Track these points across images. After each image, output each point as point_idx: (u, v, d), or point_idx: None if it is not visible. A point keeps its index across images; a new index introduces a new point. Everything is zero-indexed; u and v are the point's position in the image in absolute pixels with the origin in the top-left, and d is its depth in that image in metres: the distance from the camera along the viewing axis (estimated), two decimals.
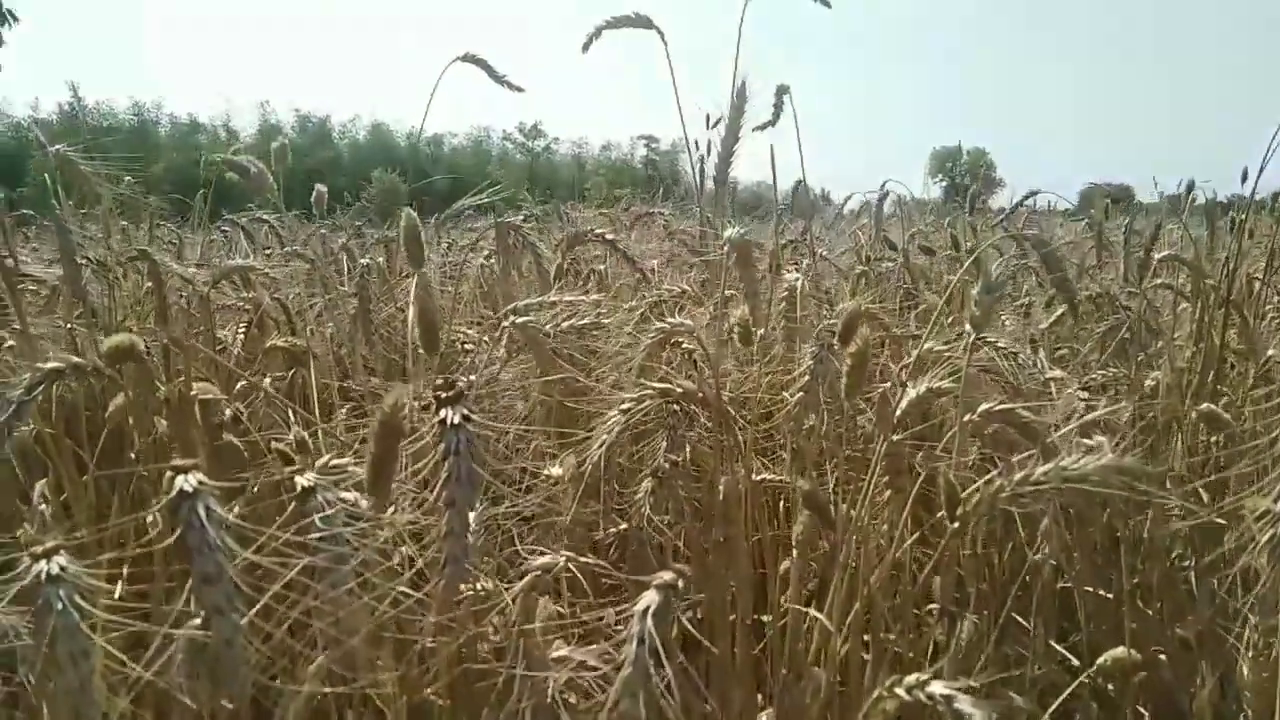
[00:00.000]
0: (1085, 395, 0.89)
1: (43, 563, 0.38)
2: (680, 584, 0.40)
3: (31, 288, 1.03)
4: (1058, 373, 1.00)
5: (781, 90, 1.17)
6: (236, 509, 0.46)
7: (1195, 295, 1.20)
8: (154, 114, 30.22)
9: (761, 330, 0.64)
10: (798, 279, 0.73)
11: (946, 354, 0.64)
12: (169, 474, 0.35)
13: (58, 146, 0.88)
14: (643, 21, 0.85)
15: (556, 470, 0.62)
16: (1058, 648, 0.95)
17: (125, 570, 0.59)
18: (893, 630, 0.58)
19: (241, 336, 0.99)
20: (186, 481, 0.34)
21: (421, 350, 0.54)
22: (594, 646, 0.49)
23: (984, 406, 0.54)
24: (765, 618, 0.68)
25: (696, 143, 1.19)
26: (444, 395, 0.42)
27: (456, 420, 0.41)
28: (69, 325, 0.99)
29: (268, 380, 0.86)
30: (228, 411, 0.73)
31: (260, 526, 0.41)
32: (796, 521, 0.54)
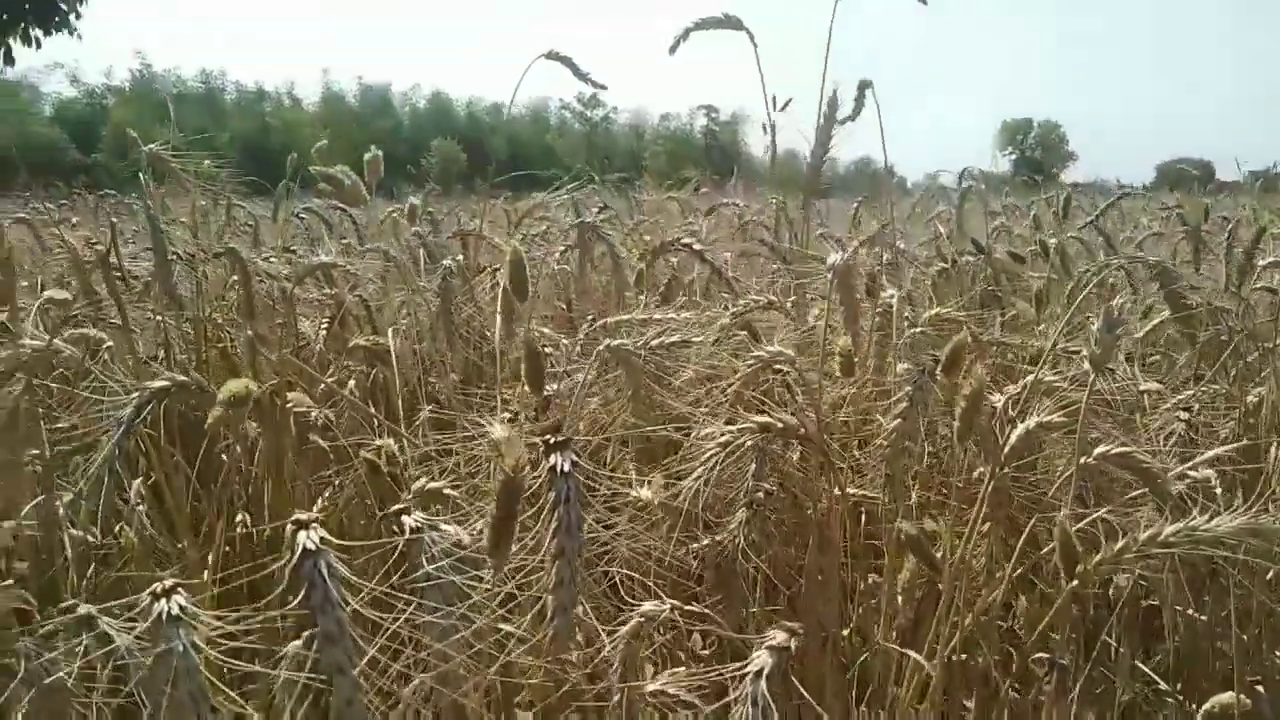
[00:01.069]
0: (1185, 415, 0.86)
1: (163, 602, 0.39)
2: (791, 644, 0.39)
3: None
4: (1153, 385, 0.96)
5: (864, 85, 1.13)
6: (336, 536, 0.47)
7: None
8: (220, 81, 30.85)
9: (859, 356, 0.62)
10: (894, 296, 0.70)
11: (1056, 384, 0.61)
12: (290, 528, 0.35)
13: (151, 146, 0.89)
14: (732, 22, 0.82)
15: (646, 493, 0.62)
16: (1143, 668, 0.93)
17: (229, 588, 0.60)
18: (996, 673, 0.56)
19: (324, 333, 1.00)
20: (309, 538, 0.34)
21: (527, 388, 0.53)
22: (686, 676, 0.48)
23: (1100, 450, 0.52)
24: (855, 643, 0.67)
25: (768, 125, 1.16)
26: (553, 440, 0.41)
27: (566, 468, 0.40)
28: (160, 317, 1.02)
29: (352, 382, 0.87)
30: (315, 416, 0.73)
31: (362, 547, 0.41)
32: (901, 566, 0.53)
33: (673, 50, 0.84)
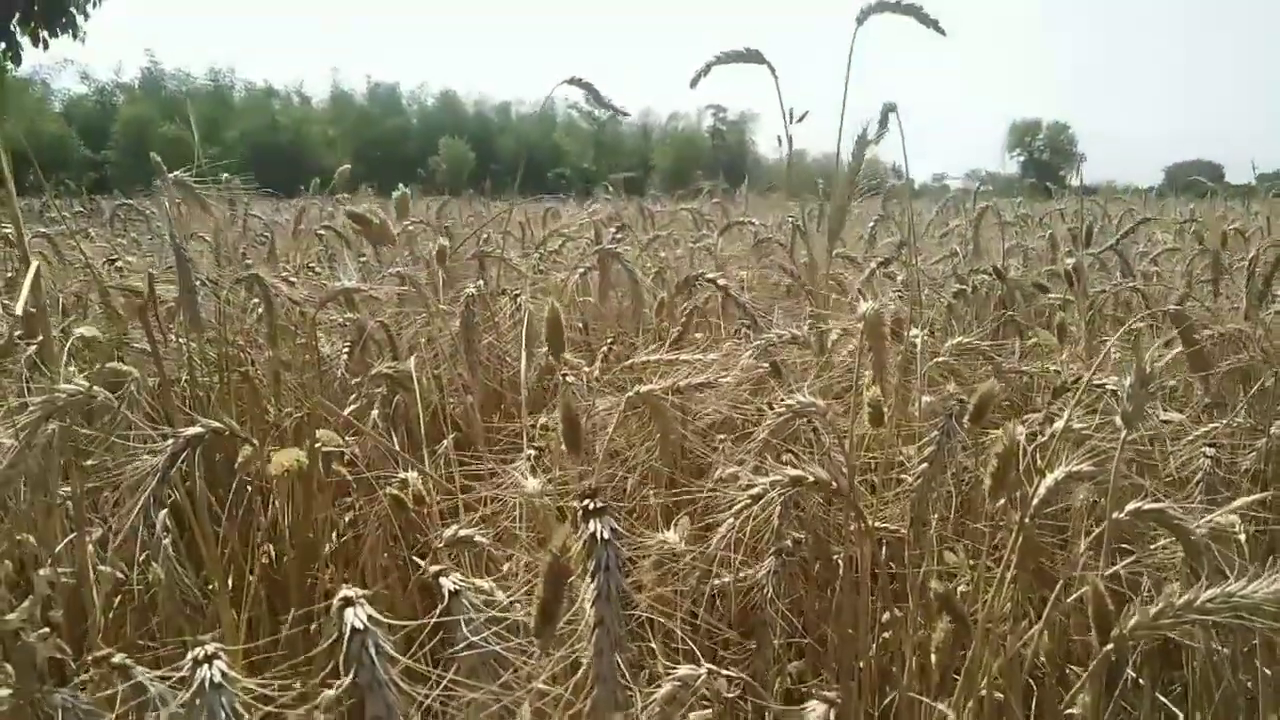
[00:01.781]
0: (1211, 451, 0.86)
1: (205, 669, 0.39)
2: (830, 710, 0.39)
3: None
4: (1174, 415, 0.96)
5: (888, 108, 1.13)
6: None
7: None
8: (229, 78, 30.90)
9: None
10: (919, 337, 0.70)
11: (1085, 433, 0.61)
12: (337, 605, 0.35)
13: (174, 174, 0.89)
14: (754, 57, 0.82)
15: (672, 536, 0.62)
16: (1163, 700, 0.92)
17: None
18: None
19: (345, 357, 1.00)
20: (356, 617, 0.34)
21: (565, 448, 0.54)
22: None
23: (1133, 505, 0.52)
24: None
25: (785, 139, 1.15)
26: (591, 506, 0.42)
27: (606, 535, 0.40)
28: (183, 340, 1.02)
29: (375, 412, 0.87)
30: (342, 450, 0.74)
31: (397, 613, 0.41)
32: (934, 625, 0.53)
33: (694, 84, 0.84)
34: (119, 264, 1.33)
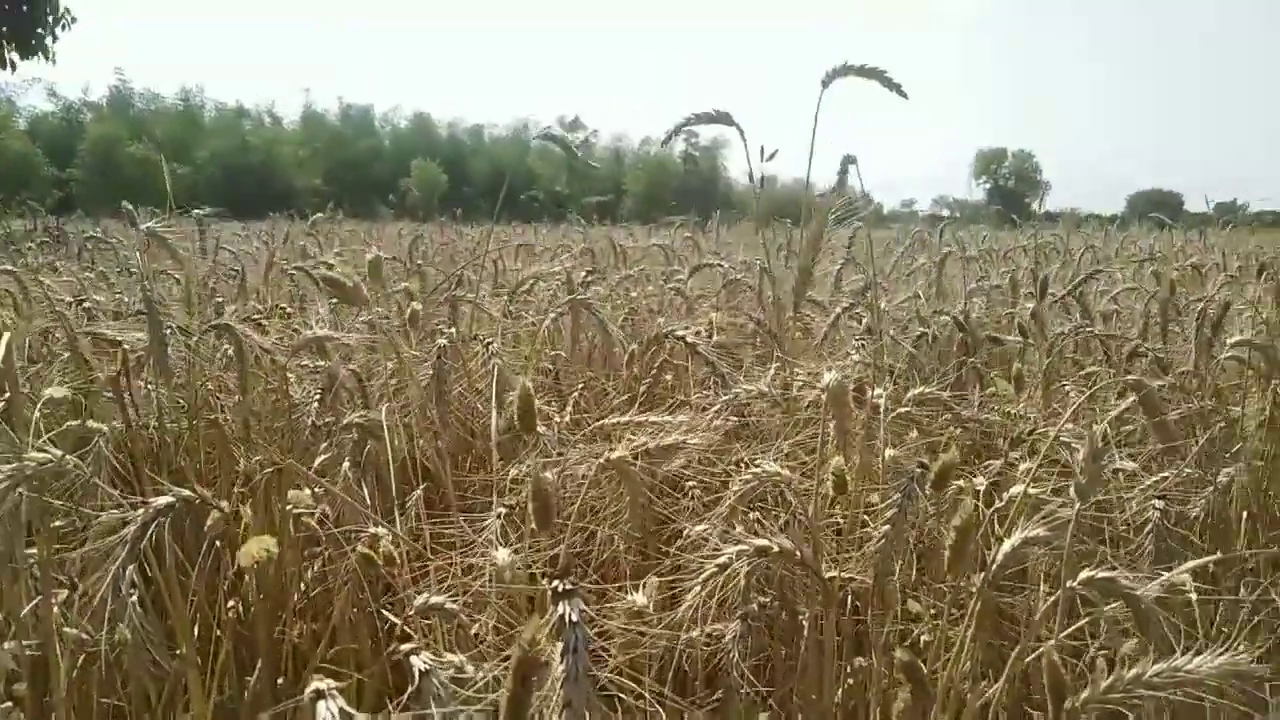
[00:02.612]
0: (1160, 504, 0.88)
1: None
2: None
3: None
4: (1129, 465, 0.99)
5: (848, 160, 1.16)
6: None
7: (1267, 375, 1.17)
8: (198, 98, 30.67)
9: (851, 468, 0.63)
10: (881, 398, 0.72)
11: (1042, 499, 0.63)
12: (310, 696, 0.36)
13: (146, 226, 0.90)
14: (723, 118, 0.85)
15: (641, 599, 0.63)
16: None
17: None
18: None
19: (317, 405, 1.00)
20: (329, 711, 0.35)
21: (535, 526, 0.55)
22: None
23: (1085, 574, 0.54)
24: None
25: (755, 178, 1.18)
26: (561, 588, 0.43)
27: (575, 618, 0.41)
28: (152, 387, 1.02)
29: (346, 464, 0.87)
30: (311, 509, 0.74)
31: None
32: (896, 694, 0.54)
33: (665, 143, 0.86)
34: (86, 304, 1.32)
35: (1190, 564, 0.61)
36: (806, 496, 0.59)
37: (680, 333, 0.80)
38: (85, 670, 0.66)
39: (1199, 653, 0.47)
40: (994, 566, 0.57)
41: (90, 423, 0.72)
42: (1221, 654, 0.47)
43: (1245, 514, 1.04)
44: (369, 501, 0.87)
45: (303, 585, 0.88)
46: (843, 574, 0.68)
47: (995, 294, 2.07)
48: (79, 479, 0.61)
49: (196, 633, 0.80)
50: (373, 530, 0.74)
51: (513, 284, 1.34)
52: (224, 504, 0.62)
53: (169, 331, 0.95)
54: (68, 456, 0.56)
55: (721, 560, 0.54)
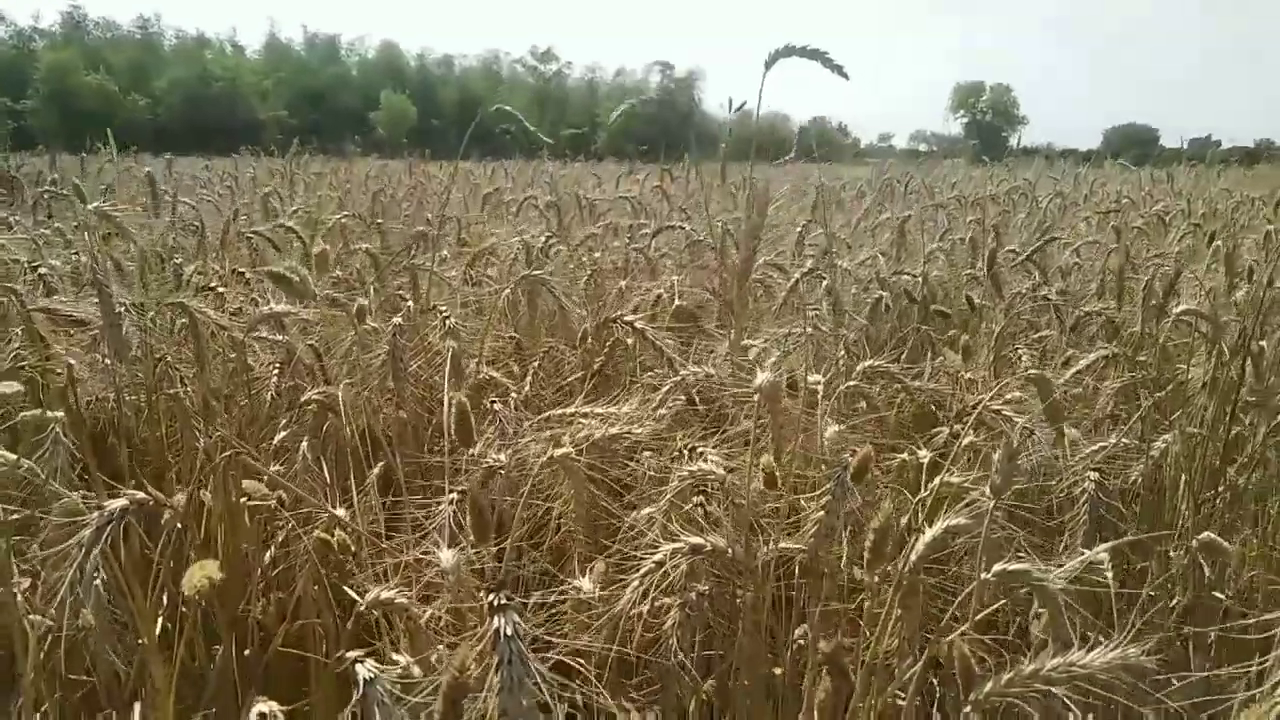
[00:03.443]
0: (1094, 477, 0.92)
1: None
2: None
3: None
4: (1073, 432, 1.03)
5: (804, 130, 1.17)
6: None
7: (1212, 343, 1.21)
8: (156, 26, 29.60)
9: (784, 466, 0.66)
10: (819, 382, 0.75)
11: (967, 487, 0.66)
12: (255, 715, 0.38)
13: (94, 205, 0.89)
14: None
15: (586, 584, 0.66)
16: None
17: None
18: None
19: (275, 379, 1.01)
20: None
21: (474, 538, 0.57)
22: None
23: (999, 567, 0.57)
24: None
25: (723, 128, 1.19)
26: (496, 601, 0.45)
27: (510, 632, 0.44)
28: (109, 364, 1.02)
29: (304, 445, 0.89)
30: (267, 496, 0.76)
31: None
32: (817, 685, 0.58)
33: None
34: (41, 270, 1.31)
35: (1104, 546, 0.65)
36: (740, 492, 0.61)
37: (629, 317, 0.82)
38: (51, 654, 0.68)
39: (1094, 648, 0.50)
40: (913, 557, 0.60)
41: (47, 412, 0.73)
42: (1116, 647, 0.50)
43: (1182, 481, 1.08)
44: (328, 480, 0.89)
45: (265, 561, 0.90)
46: (783, 548, 0.71)
47: (959, 249, 2.09)
48: (34, 477, 0.62)
49: (164, 607, 0.82)
50: (329, 513, 0.76)
51: (474, 247, 1.34)
52: (178, 499, 0.64)
53: (122, 309, 0.95)
54: (22, 461, 0.57)
55: (658, 558, 0.57)
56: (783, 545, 0.70)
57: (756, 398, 0.61)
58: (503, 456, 0.77)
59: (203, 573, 0.46)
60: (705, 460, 0.63)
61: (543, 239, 1.35)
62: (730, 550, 0.56)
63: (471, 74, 32.93)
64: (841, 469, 0.65)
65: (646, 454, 0.72)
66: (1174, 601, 1.02)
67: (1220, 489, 1.12)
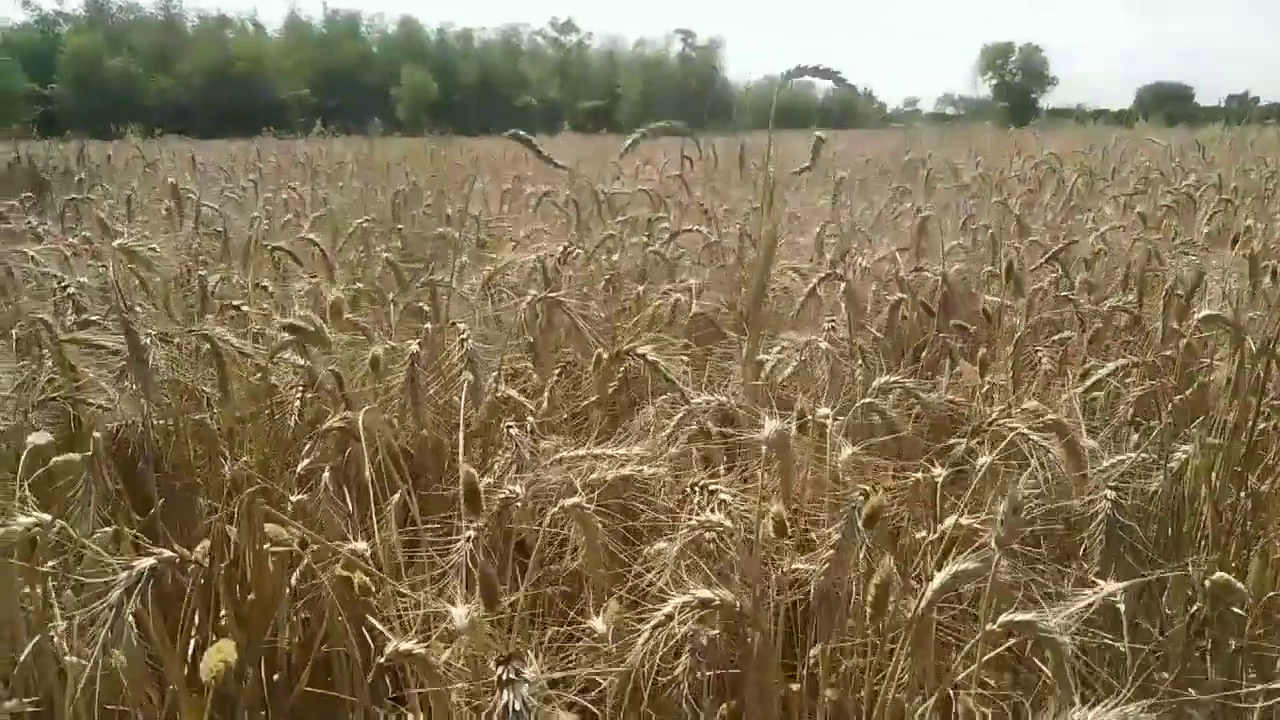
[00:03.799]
0: (1111, 495, 0.92)
1: None
2: None
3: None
4: (1091, 443, 1.02)
5: (818, 145, 1.16)
6: None
7: (1234, 347, 1.20)
8: (178, 6, 29.73)
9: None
10: (828, 416, 0.75)
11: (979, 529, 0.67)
12: None
13: (118, 243, 0.91)
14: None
15: (600, 625, 0.67)
16: None
17: None
18: None
19: (298, 404, 1.03)
20: None
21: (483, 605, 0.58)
22: None
23: (1005, 618, 0.58)
24: None
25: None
26: (506, 675, 0.47)
27: (518, 707, 0.45)
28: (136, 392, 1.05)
29: (326, 474, 0.91)
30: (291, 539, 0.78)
31: None
32: None
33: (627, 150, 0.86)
34: (70, 290, 1.34)
35: (1117, 585, 0.65)
36: (749, 543, 0.62)
37: (641, 349, 0.83)
38: (87, 689, 0.71)
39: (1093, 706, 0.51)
40: (923, 604, 0.61)
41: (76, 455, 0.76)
42: (1115, 705, 0.51)
43: (1203, 492, 1.08)
44: (350, 509, 0.91)
45: (289, 591, 0.92)
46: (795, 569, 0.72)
47: (981, 236, 2.06)
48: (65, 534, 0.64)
49: (194, 642, 0.85)
50: (350, 547, 0.78)
51: (493, 248, 1.35)
52: (201, 549, 0.66)
53: (148, 340, 0.97)
54: (56, 522, 0.59)
55: (667, 610, 0.58)
56: (794, 570, 0.71)
57: (764, 449, 0.61)
58: (519, 489, 0.79)
59: (219, 656, 0.48)
60: (718, 499, 0.64)
61: (560, 250, 1.36)
62: (739, 604, 0.57)
63: (492, 47, 32.75)
64: (853, 510, 0.66)
65: (661, 488, 0.73)
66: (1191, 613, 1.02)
67: (1242, 495, 1.11)
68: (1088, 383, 1.10)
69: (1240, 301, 1.23)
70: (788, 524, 0.63)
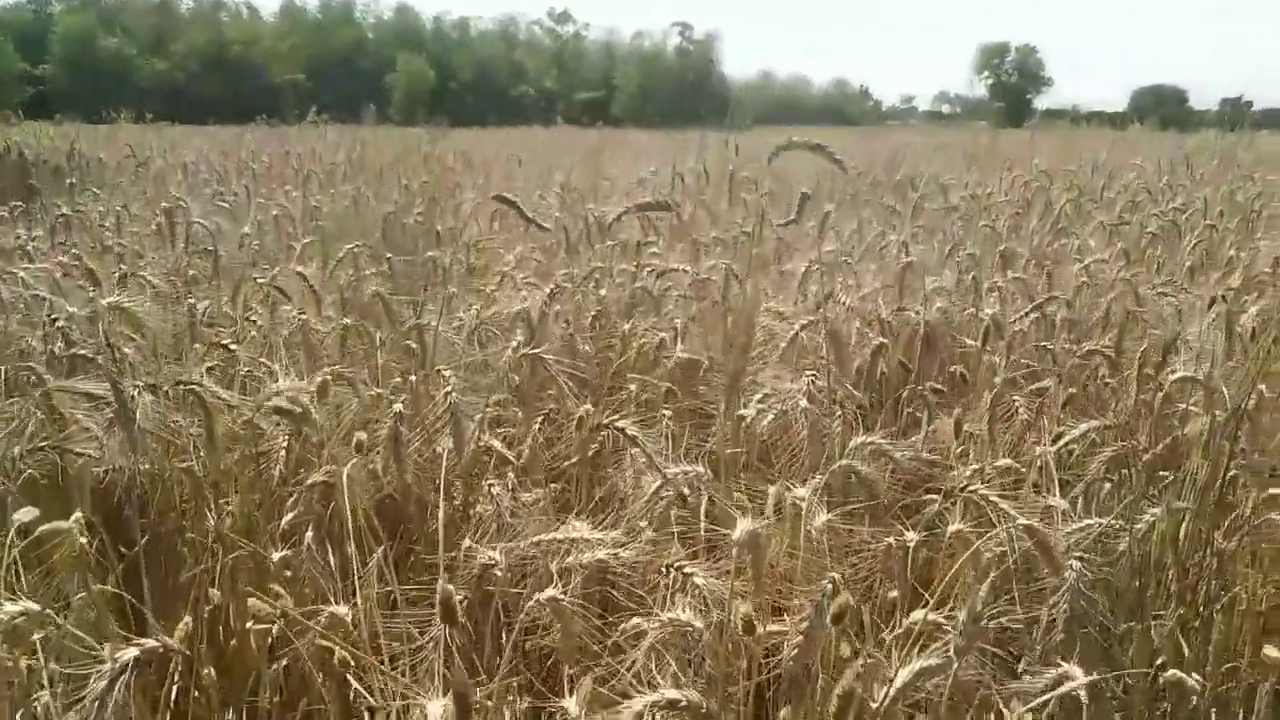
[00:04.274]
0: (1077, 566, 0.94)
1: None
2: None
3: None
4: (1061, 503, 1.05)
5: (804, 199, 1.18)
6: None
7: (1207, 409, 1.22)
8: None
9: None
10: (805, 499, 0.77)
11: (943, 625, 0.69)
12: None
13: (109, 301, 0.92)
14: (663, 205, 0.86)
15: (572, 708, 0.69)
16: None
17: None
18: None
19: (283, 455, 1.05)
20: None
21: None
22: None
23: None
24: None
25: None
26: None
27: None
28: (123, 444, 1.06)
29: (309, 535, 0.93)
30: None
31: None
32: None
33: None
34: (58, 321, 1.34)
35: (1079, 683, 0.67)
36: (717, 643, 0.64)
37: (620, 423, 0.84)
38: None
39: None
40: (886, 702, 0.63)
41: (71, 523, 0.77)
42: None
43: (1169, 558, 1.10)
44: (332, 567, 0.93)
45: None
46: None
47: (966, 265, 2.08)
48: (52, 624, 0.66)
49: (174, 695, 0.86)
50: (331, 612, 0.80)
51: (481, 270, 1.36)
52: (182, 629, 0.68)
53: (135, 392, 0.98)
54: (45, 612, 0.61)
55: (637, 708, 0.60)
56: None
57: (735, 551, 0.63)
58: (498, 555, 0.81)
59: None
60: (690, 588, 0.66)
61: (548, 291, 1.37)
62: (704, 706, 0.59)
63: (489, 37, 32.59)
64: (822, 600, 0.68)
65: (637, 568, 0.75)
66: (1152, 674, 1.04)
67: (1208, 555, 1.14)
68: (1060, 444, 1.12)
69: (1216, 358, 1.26)
70: (755, 623, 0.65)
